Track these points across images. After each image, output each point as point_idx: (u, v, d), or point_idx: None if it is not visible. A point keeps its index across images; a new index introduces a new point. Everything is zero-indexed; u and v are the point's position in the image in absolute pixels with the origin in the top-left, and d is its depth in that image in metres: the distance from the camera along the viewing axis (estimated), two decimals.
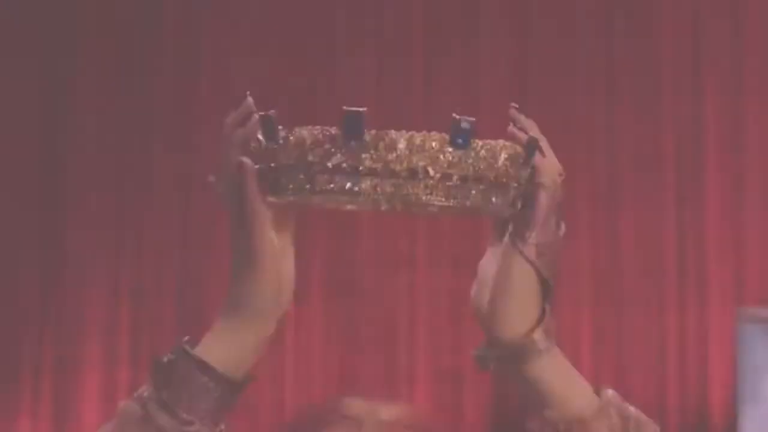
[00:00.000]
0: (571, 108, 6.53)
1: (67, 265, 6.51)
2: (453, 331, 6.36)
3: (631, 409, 0.74)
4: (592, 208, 6.46)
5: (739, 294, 6.13)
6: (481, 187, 0.71)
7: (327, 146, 0.69)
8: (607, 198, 6.53)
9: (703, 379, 6.16)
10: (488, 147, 0.72)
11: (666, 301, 6.33)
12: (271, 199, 0.71)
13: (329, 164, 0.68)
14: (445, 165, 0.70)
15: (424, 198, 0.70)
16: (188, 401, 0.72)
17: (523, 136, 0.74)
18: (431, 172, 0.70)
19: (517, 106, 0.79)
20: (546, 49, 6.55)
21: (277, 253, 0.75)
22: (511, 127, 0.76)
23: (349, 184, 0.68)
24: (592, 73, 6.50)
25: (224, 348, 0.74)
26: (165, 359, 0.72)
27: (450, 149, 0.71)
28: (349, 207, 0.75)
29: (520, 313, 0.74)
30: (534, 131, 0.76)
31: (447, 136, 0.71)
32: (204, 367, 0.74)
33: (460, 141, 0.70)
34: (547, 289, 0.74)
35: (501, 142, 0.72)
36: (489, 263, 0.74)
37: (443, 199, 0.71)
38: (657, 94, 6.52)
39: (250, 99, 0.75)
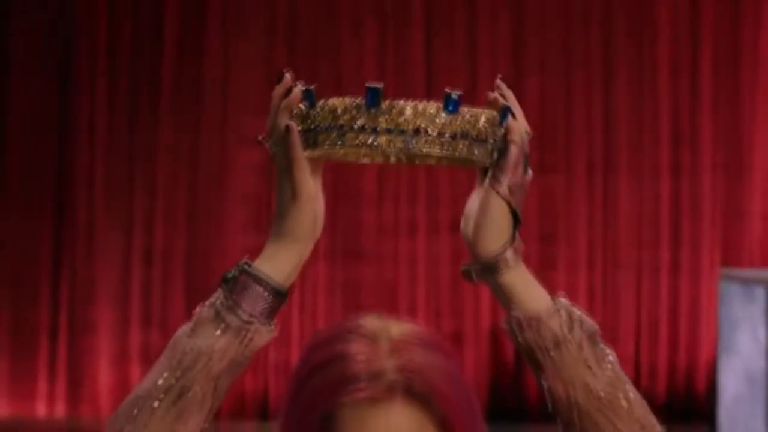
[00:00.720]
0: (569, 77, 6.74)
1: (80, 233, 6.69)
2: (452, 294, 6.64)
3: (578, 312, 0.92)
4: (589, 175, 6.76)
5: (729, 258, 6.40)
6: (466, 142, 0.91)
7: (353, 112, 0.90)
8: (604, 165, 6.75)
9: (693, 338, 6.43)
10: (472, 112, 0.93)
11: (659, 264, 6.57)
12: (309, 152, 0.92)
13: (355, 125, 0.89)
14: (440, 125, 0.92)
15: (424, 150, 0.91)
16: (248, 305, 0.92)
17: (501, 103, 0.94)
18: (430, 130, 0.91)
19: (502, 77, 0.99)
20: (543, 22, 6.76)
21: (313, 194, 0.95)
22: (492, 94, 0.95)
23: (370, 140, 0.89)
24: (589, 45, 6.69)
25: (273, 266, 0.94)
26: (230, 274, 0.92)
27: (444, 114, 0.92)
28: (365, 160, 0.96)
29: (495, 236, 0.93)
30: (511, 100, 0.95)
31: (441, 105, 0.92)
32: (259, 279, 0.93)
33: (450, 108, 0.92)
34: (516, 219, 0.93)
35: (482, 109, 0.92)
36: (473, 201, 0.93)
37: (438, 151, 0.91)
38: (653, 68, 6.70)
39: (288, 75, 0.94)
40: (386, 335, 0.91)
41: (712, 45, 6.70)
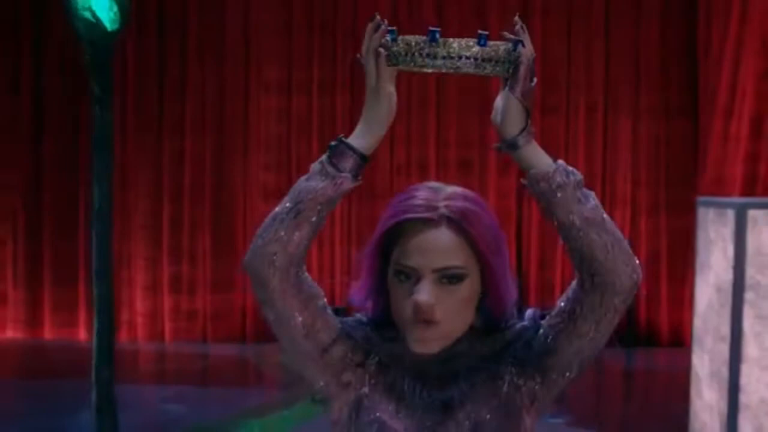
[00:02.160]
0: (570, 25, 7.08)
1: (114, 171, 7.13)
2: None
3: (570, 167, 1.38)
4: (589, 117, 7.11)
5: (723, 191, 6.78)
6: (492, 63, 1.37)
7: (421, 44, 1.37)
8: (604, 107, 7.09)
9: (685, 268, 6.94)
10: (494, 45, 1.37)
11: (658, 203, 7.05)
12: (392, 67, 1.38)
13: (423, 53, 1.36)
14: (475, 53, 1.37)
15: (463, 69, 1.37)
16: (341, 163, 1.37)
17: (513, 37, 1.35)
18: (467, 54, 1.37)
19: (519, 18, 1.44)
20: None
21: (390, 93, 1.38)
22: (507, 34, 1.41)
23: (430, 62, 1.36)
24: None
25: (360, 140, 1.39)
26: (332, 144, 1.38)
27: (477, 47, 1.37)
28: (426, 70, 1.39)
29: (515, 124, 1.35)
30: (522, 35, 1.36)
31: (476, 40, 1.37)
32: (350, 146, 1.37)
33: (481, 42, 1.37)
34: (528, 113, 1.36)
35: (501, 42, 1.37)
36: (499, 101, 1.36)
37: (473, 70, 1.37)
38: (649, 17, 7.02)
39: (377, 17, 1.40)
40: (442, 190, 1.41)
41: None
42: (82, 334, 7.07)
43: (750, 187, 6.37)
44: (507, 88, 1.36)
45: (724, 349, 3.21)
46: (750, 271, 3.12)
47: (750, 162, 6.45)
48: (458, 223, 1.37)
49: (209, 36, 7.11)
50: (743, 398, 3.19)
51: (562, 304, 1.40)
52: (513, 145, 1.35)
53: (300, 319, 1.41)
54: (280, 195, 1.46)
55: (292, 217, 1.36)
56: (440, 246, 1.36)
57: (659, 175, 7.09)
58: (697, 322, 3.57)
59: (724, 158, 6.61)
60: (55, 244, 7.15)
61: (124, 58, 7.05)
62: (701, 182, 6.74)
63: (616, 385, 6.45)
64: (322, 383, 1.45)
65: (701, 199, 3.90)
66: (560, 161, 1.38)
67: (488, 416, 1.40)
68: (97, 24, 2.11)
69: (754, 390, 3.19)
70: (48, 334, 7.16)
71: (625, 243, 1.38)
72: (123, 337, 6.93)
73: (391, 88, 1.36)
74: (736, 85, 6.64)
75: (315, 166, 1.39)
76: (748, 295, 3.13)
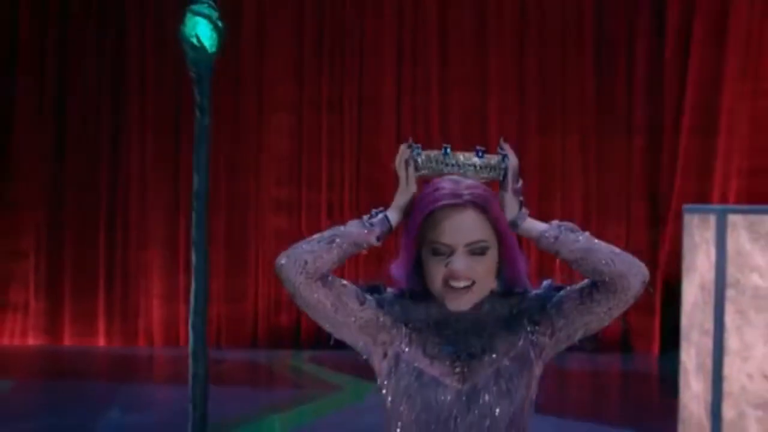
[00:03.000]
0: (562, 57, 7.40)
1: (131, 185, 7.44)
2: None
3: (563, 223, 1.77)
4: (582, 135, 7.41)
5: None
6: (488, 170, 1.78)
7: (438, 156, 1.79)
8: (597, 126, 7.40)
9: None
10: (488, 157, 1.78)
11: (641, 217, 7.35)
12: (416, 173, 1.79)
13: (439, 162, 1.79)
14: (476, 163, 1.79)
15: (468, 174, 1.78)
16: (377, 226, 1.76)
17: (502, 153, 1.78)
18: (470, 163, 1.79)
19: (504, 138, 1.90)
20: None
21: (414, 191, 1.78)
22: (499, 150, 1.76)
23: (444, 168, 1.78)
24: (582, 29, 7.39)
25: (392, 215, 1.77)
26: (375, 212, 1.78)
27: (476, 158, 1.78)
28: (441, 174, 1.79)
29: (511, 211, 1.75)
30: (508, 151, 1.78)
31: (474, 153, 1.78)
32: (387, 218, 1.77)
33: (479, 155, 1.79)
34: (520, 203, 1.76)
35: (494, 155, 1.78)
36: (500, 196, 1.76)
37: (474, 176, 1.77)
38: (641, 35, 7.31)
39: (410, 140, 1.80)
40: (462, 181, 1.77)
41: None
42: (101, 342, 7.37)
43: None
44: (501, 188, 1.78)
45: (709, 342, 3.48)
46: (731, 270, 3.40)
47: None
48: (481, 206, 1.74)
49: (223, 58, 7.40)
50: (726, 387, 3.46)
51: (586, 282, 1.76)
52: (514, 225, 1.76)
53: (328, 302, 1.74)
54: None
55: (326, 243, 1.75)
56: (468, 225, 1.72)
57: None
58: (684, 320, 3.85)
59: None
60: (75, 257, 7.44)
61: (143, 76, 7.46)
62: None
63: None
64: (361, 344, 1.78)
65: (686, 206, 4.20)
66: (554, 221, 1.79)
67: (507, 363, 1.75)
68: (200, 47, 2.61)
69: (736, 379, 3.46)
70: (68, 341, 7.46)
71: (624, 253, 1.75)
72: (141, 342, 7.30)
73: (415, 188, 1.78)
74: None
75: (355, 221, 1.78)
76: (729, 293, 3.40)
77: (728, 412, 3.45)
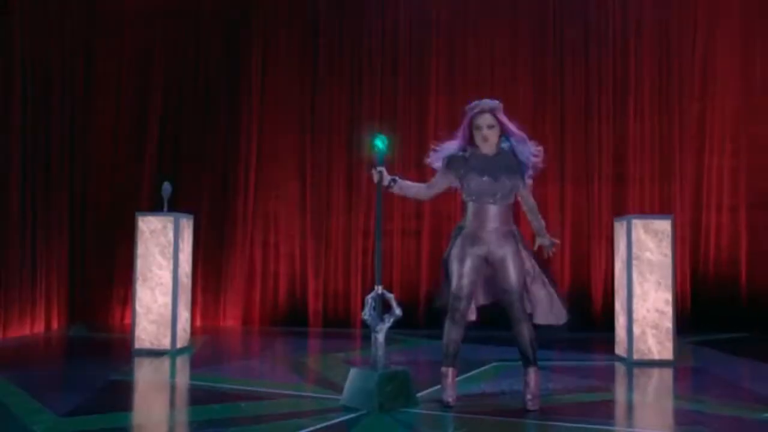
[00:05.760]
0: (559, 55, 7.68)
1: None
2: None
3: (543, 222, 4.26)
4: (579, 121, 7.64)
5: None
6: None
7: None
8: (588, 113, 7.64)
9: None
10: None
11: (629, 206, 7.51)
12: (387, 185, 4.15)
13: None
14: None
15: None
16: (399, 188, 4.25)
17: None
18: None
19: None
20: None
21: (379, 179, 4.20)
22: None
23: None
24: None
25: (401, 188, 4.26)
26: (390, 179, 4.22)
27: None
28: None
29: (543, 238, 4.20)
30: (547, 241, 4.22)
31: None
32: (395, 179, 4.26)
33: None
34: (545, 238, 4.24)
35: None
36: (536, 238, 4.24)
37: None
38: (638, 34, 7.68)
39: (375, 172, 4.15)
40: (488, 102, 4.08)
41: None
42: (116, 323, 7.64)
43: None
44: (536, 236, 4.12)
45: (624, 293, 5.46)
46: (634, 250, 5.39)
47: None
48: (491, 112, 3.97)
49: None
50: (634, 316, 5.37)
51: (529, 181, 4.08)
52: (538, 232, 4.10)
53: (443, 186, 4.12)
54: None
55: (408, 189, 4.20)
56: (489, 119, 3.96)
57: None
58: (616, 282, 5.71)
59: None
60: (96, 253, 7.77)
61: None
62: None
63: None
64: (456, 181, 4.06)
65: (615, 217, 5.90)
66: (542, 222, 4.22)
67: (510, 182, 4.00)
68: (381, 147, 4.05)
69: (639, 311, 5.37)
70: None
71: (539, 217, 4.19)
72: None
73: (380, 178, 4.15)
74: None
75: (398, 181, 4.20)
76: (635, 263, 5.38)
77: (636, 330, 5.34)
